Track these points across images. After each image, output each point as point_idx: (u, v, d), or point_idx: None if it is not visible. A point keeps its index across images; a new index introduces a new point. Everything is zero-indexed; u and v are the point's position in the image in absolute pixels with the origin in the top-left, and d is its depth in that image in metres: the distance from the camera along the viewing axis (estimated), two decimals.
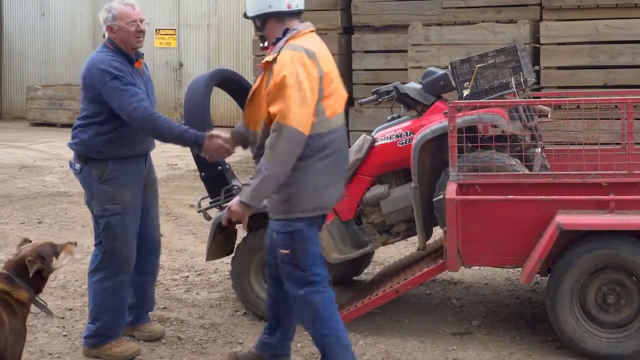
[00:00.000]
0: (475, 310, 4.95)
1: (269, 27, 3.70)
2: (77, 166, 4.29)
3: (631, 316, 4.13)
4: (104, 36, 4.29)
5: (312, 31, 3.72)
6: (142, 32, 4.27)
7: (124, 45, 4.23)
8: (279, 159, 3.45)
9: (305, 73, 3.48)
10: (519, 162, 4.44)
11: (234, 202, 3.56)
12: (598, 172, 4.21)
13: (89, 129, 4.21)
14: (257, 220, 4.90)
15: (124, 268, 4.27)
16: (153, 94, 4.38)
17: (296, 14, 3.71)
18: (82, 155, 4.25)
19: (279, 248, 3.64)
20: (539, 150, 4.72)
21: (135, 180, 4.26)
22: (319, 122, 3.53)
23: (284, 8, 3.65)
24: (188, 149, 5.12)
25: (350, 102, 9.85)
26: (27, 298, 3.50)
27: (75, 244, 3.71)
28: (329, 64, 3.64)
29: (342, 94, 3.72)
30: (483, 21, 8.92)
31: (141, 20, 4.27)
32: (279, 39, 3.63)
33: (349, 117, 9.62)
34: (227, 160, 5.08)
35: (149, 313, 4.62)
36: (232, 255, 4.98)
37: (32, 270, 3.46)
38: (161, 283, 5.61)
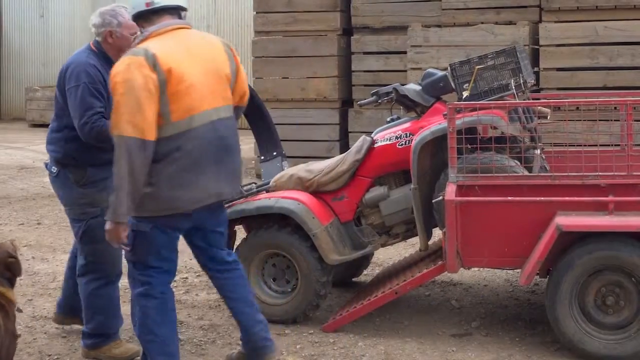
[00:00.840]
0: (474, 312, 4.95)
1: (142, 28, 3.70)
2: (54, 169, 4.20)
3: (630, 317, 4.13)
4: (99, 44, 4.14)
5: (178, 28, 3.65)
6: None
7: (114, 52, 4.04)
8: (124, 172, 3.41)
9: (142, 78, 3.41)
10: (519, 163, 4.44)
11: (107, 225, 3.53)
12: (597, 173, 4.21)
13: (62, 134, 4.14)
14: (256, 222, 4.92)
15: (111, 270, 4.22)
16: None
17: (163, 11, 3.64)
18: (59, 160, 4.17)
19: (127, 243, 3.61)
20: (538, 151, 4.73)
21: None
22: (164, 126, 3.49)
23: (143, 7, 3.64)
24: None
25: (349, 103, 9.86)
26: (15, 298, 3.50)
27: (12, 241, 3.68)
28: (185, 63, 3.53)
29: (205, 92, 3.58)
30: (482, 22, 8.92)
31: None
32: None
33: (349, 119, 9.63)
34: None
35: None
36: None
37: (20, 269, 3.46)
38: None
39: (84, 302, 4.28)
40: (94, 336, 4.28)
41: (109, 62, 3.99)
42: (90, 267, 4.20)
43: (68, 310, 4.61)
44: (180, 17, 3.71)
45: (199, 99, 3.56)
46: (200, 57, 3.62)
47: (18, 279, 5.15)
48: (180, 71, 3.51)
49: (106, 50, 4.12)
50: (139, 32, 3.79)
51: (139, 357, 4.25)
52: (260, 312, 4.01)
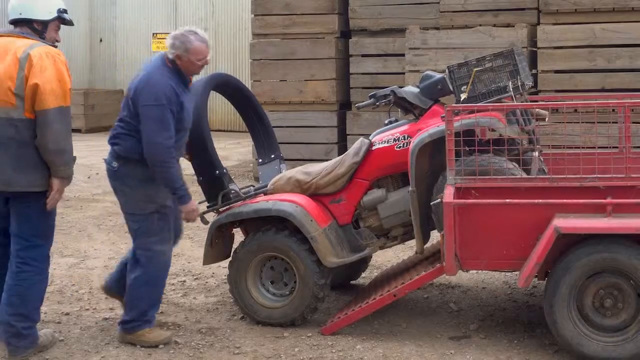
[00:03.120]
0: (473, 314, 4.94)
1: None
2: (115, 164, 4.39)
3: (629, 320, 4.13)
4: (168, 59, 4.36)
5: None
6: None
7: (183, 71, 4.37)
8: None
9: None
10: (517, 165, 4.44)
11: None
12: (595, 175, 4.21)
13: (133, 137, 4.33)
14: (254, 225, 4.91)
15: (164, 265, 4.50)
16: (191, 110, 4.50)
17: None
18: (122, 156, 4.36)
19: None
20: (536, 153, 4.72)
21: None
22: None
23: None
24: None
25: (347, 105, 9.86)
26: None
27: None
28: None
29: None
30: (480, 25, 8.92)
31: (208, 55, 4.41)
32: None
33: (347, 121, 9.64)
34: (225, 164, 5.09)
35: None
36: (229, 259, 4.97)
37: None
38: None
39: (131, 291, 4.47)
40: (132, 321, 4.48)
41: (181, 79, 4.37)
42: (144, 260, 4.41)
43: (116, 289, 4.78)
44: (29, 29, 4.21)
45: None
46: None
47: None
48: None
49: (178, 66, 4.35)
50: (208, 57, 4.38)
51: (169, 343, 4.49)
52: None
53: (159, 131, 4.21)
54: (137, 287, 4.45)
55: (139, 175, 4.36)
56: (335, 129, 9.72)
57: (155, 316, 4.63)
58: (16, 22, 4.21)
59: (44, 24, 4.22)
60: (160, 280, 4.55)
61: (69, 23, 4.37)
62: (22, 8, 4.19)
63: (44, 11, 4.21)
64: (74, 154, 4.26)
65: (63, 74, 4.11)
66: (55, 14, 4.25)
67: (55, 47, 4.26)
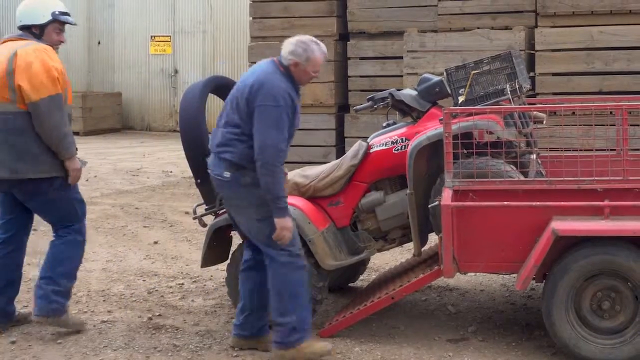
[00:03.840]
0: (470, 317, 4.95)
1: None
2: (227, 174, 4.15)
3: (626, 322, 4.13)
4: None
5: (5, 41, 4.62)
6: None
7: (296, 78, 4.22)
8: None
9: None
10: (514, 168, 4.45)
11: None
12: (593, 178, 4.21)
13: (244, 142, 4.12)
14: None
15: (301, 259, 4.22)
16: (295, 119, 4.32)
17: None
18: (235, 163, 4.14)
19: None
20: (534, 156, 4.73)
21: None
22: None
23: None
24: (184, 156, 5.13)
25: (345, 108, 9.86)
26: None
27: None
28: None
29: None
30: (478, 28, 8.93)
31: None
32: None
33: (345, 124, 9.64)
34: None
35: None
36: (228, 262, 4.97)
37: None
38: (156, 290, 5.60)
39: (289, 294, 4.14)
40: (297, 331, 4.14)
41: (294, 86, 4.22)
42: (285, 258, 4.14)
43: (254, 331, 4.43)
44: (30, 33, 4.62)
45: None
46: None
47: None
48: None
49: (292, 72, 4.20)
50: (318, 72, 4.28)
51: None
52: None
53: (274, 133, 4.04)
54: (293, 284, 4.14)
55: (251, 181, 4.14)
56: (334, 132, 9.73)
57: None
58: (21, 28, 4.67)
59: (41, 27, 4.61)
60: (304, 277, 4.26)
61: (69, 23, 4.67)
62: (22, 16, 4.64)
63: (39, 16, 4.60)
64: (86, 161, 4.71)
65: (49, 66, 4.41)
66: (49, 17, 4.59)
67: (54, 47, 4.62)
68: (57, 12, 4.61)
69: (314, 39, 4.28)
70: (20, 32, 4.64)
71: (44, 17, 4.58)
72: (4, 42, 4.62)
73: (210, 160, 4.30)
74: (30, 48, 4.46)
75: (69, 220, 4.70)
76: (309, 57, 4.18)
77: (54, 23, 4.60)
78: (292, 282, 4.17)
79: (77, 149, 4.65)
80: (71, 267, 4.72)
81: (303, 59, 4.17)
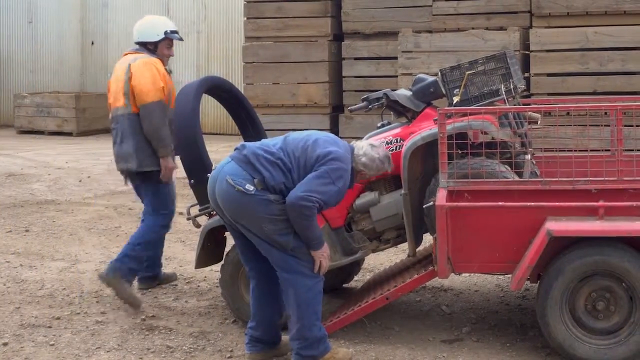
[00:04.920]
0: (465, 317, 4.94)
1: None
2: (250, 188, 4.02)
3: (621, 322, 4.13)
4: None
5: (125, 54, 5.47)
6: None
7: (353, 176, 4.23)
8: None
9: None
10: (509, 168, 4.44)
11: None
12: (588, 178, 4.21)
13: (281, 169, 4.06)
14: None
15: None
16: None
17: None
18: (268, 185, 4.03)
19: None
20: (528, 156, 4.72)
21: None
22: None
23: None
24: (177, 157, 5.11)
25: (340, 109, 9.86)
26: None
27: None
28: (115, 75, 5.38)
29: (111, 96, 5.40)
30: (473, 28, 8.95)
31: None
32: None
33: (339, 124, 9.63)
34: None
35: None
36: (222, 262, 4.96)
37: None
38: (149, 291, 5.58)
39: (309, 307, 4.07)
40: (324, 341, 4.11)
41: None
42: (312, 270, 4.09)
43: (271, 342, 4.36)
44: (145, 48, 5.41)
45: (111, 99, 5.44)
46: (118, 72, 5.37)
47: (6, 286, 5.16)
48: (111, 80, 5.49)
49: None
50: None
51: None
52: None
53: (334, 192, 4.05)
54: (314, 296, 4.09)
55: (278, 198, 4.04)
56: (328, 132, 9.71)
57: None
58: (137, 43, 5.44)
59: (154, 44, 5.39)
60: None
61: (179, 39, 5.48)
62: (138, 34, 5.45)
63: (153, 35, 5.39)
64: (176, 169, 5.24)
65: (156, 77, 5.20)
66: (162, 36, 5.39)
67: (165, 59, 5.40)
68: (168, 31, 5.40)
69: (389, 155, 4.31)
70: (137, 46, 5.44)
71: (157, 36, 5.38)
72: (125, 54, 5.47)
73: (231, 166, 4.08)
74: (141, 61, 5.24)
75: (155, 210, 5.35)
76: (366, 164, 4.21)
77: (165, 40, 5.40)
78: (316, 292, 4.11)
79: (174, 151, 5.22)
80: (146, 246, 5.32)
81: (361, 165, 4.21)
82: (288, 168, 4.07)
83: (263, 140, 4.31)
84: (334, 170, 4.03)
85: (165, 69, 5.35)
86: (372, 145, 4.29)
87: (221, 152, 12.53)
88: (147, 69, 5.21)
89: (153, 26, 5.43)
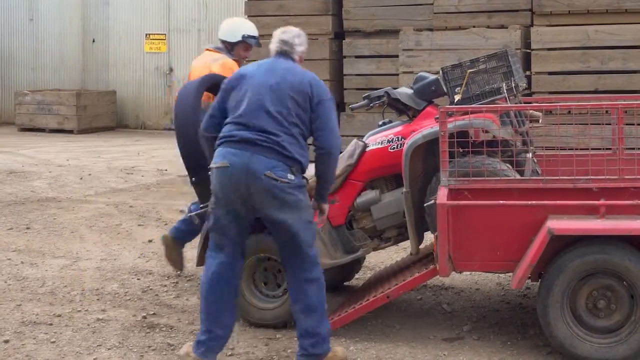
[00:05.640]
0: (466, 316, 4.94)
1: None
2: (292, 177, 4.04)
3: (622, 321, 4.13)
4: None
5: (207, 50, 5.75)
6: None
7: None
8: None
9: None
10: (510, 167, 4.44)
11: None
12: (589, 177, 4.21)
13: (299, 142, 4.13)
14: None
15: None
16: None
17: None
18: (300, 166, 4.10)
19: None
20: (530, 155, 4.72)
21: None
22: None
23: None
24: (179, 154, 5.11)
25: (341, 107, 9.86)
26: None
27: None
28: (197, 72, 5.44)
29: None
30: (474, 26, 8.94)
31: None
32: None
33: (341, 122, 9.63)
34: None
35: None
36: None
37: None
38: (150, 289, 5.58)
39: (321, 304, 4.11)
40: (327, 340, 4.13)
41: None
42: (318, 261, 4.16)
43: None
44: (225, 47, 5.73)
45: None
46: (194, 68, 5.64)
47: (7, 283, 5.15)
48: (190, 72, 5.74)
49: None
50: None
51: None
52: None
53: (337, 123, 4.23)
54: (321, 294, 4.12)
55: (303, 183, 4.11)
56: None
57: None
58: (220, 41, 5.71)
59: (232, 44, 5.66)
60: None
61: (256, 45, 5.73)
62: (221, 32, 5.74)
63: (232, 36, 5.67)
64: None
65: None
66: (239, 38, 5.64)
67: (241, 60, 5.66)
68: (246, 35, 5.66)
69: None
70: (218, 44, 5.75)
71: (235, 37, 5.66)
72: (206, 50, 5.76)
73: (261, 161, 3.97)
74: (219, 62, 5.51)
75: None
76: (306, 45, 4.37)
77: (243, 43, 5.65)
78: (323, 290, 4.15)
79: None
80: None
81: (305, 48, 4.35)
82: (302, 132, 4.12)
83: (240, 120, 4.07)
84: (330, 102, 4.19)
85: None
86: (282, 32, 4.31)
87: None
88: (223, 72, 5.30)
89: (234, 28, 5.72)
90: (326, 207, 4.32)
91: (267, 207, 4.02)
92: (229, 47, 5.68)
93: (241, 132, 4.03)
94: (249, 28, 5.74)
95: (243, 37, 5.67)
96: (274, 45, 4.26)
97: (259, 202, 4.01)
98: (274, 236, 4.18)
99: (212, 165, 4.09)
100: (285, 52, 4.23)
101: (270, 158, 3.99)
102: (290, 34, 4.28)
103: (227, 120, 4.13)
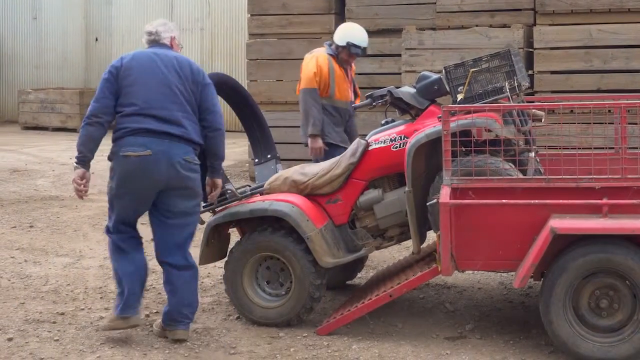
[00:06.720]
0: (468, 315, 4.94)
1: None
2: (196, 159, 4.49)
3: (624, 320, 4.13)
4: None
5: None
6: None
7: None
8: None
9: None
10: (513, 166, 4.44)
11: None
12: (591, 176, 4.21)
13: (196, 124, 4.52)
14: (250, 225, 4.90)
15: None
16: None
17: None
18: (200, 147, 4.52)
19: None
20: (532, 154, 4.72)
21: None
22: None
23: None
24: None
25: None
26: None
27: None
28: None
29: None
30: (477, 25, 8.92)
31: None
32: None
33: None
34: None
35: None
36: (225, 259, 4.97)
37: None
38: (153, 287, 5.59)
39: (193, 290, 4.65)
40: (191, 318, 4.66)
41: None
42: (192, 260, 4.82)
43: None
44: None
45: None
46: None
47: (10, 281, 5.15)
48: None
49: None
50: None
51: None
52: None
53: (218, 102, 4.56)
54: (195, 285, 4.59)
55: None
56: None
57: None
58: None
59: (337, 47, 6.13)
60: None
61: (359, 55, 6.11)
62: (335, 33, 6.20)
63: (339, 39, 6.12)
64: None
65: (310, 68, 6.04)
66: (343, 44, 6.06)
67: (344, 65, 6.15)
68: (350, 43, 6.04)
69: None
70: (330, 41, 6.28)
71: (341, 41, 6.10)
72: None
73: (170, 145, 4.33)
74: (311, 55, 6.17)
75: None
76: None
77: (346, 49, 6.05)
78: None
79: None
80: None
81: (177, 31, 4.77)
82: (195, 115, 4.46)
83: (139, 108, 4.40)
84: (211, 85, 4.52)
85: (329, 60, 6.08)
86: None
87: (225, 148, 12.55)
88: (309, 62, 6.09)
89: (344, 32, 6.11)
90: (219, 181, 4.62)
91: (171, 189, 4.41)
92: (334, 48, 6.14)
93: (149, 123, 4.32)
94: (358, 37, 6.06)
95: (347, 43, 6.04)
96: (143, 39, 4.66)
97: (174, 187, 4.39)
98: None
99: (131, 153, 4.32)
100: (154, 41, 4.61)
101: (183, 144, 4.36)
102: (153, 24, 4.67)
103: (129, 111, 4.36)
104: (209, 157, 4.54)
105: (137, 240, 4.57)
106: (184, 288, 4.50)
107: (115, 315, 4.49)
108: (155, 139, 4.29)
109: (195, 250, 6.00)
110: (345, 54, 6.11)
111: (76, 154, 4.52)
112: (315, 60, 6.07)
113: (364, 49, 6.10)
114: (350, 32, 6.10)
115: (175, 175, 4.33)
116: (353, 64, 6.36)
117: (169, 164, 4.30)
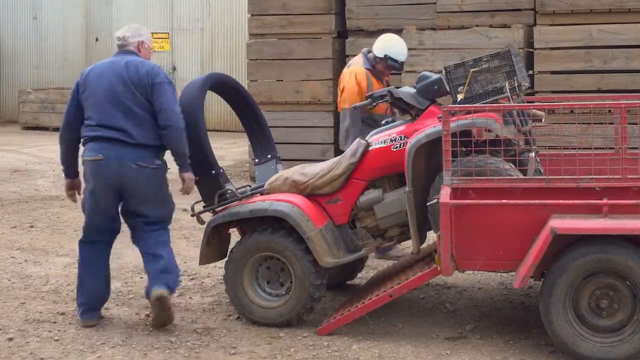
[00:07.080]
0: (468, 315, 4.95)
1: None
2: (158, 162, 4.72)
3: (624, 320, 4.14)
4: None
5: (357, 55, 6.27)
6: None
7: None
8: None
9: None
10: (513, 166, 4.44)
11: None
12: (592, 176, 4.21)
13: (152, 126, 4.69)
14: (250, 225, 4.91)
15: None
16: None
17: None
18: (161, 150, 4.74)
19: None
20: (532, 154, 4.73)
21: None
22: None
23: None
24: None
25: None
26: None
27: None
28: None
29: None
30: (477, 25, 8.92)
31: None
32: None
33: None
34: (221, 164, 5.08)
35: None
36: (226, 259, 4.97)
37: None
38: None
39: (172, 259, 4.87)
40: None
41: None
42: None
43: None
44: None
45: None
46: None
47: (11, 281, 5.16)
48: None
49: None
50: None
51: None
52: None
53: (175, 101, 4.65)
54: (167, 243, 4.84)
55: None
56: (332, 130, 9.71)
57: None
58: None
59: (375, 58, 6.04)
60: None
61: (396, 69, 6.09)
62: (375, 43, 6.08)
63: (377, 50, 6.03)
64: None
65: (351, 86, 5.98)
66: (381, 55, 5.98)
67: (377, 77, 6.06)
68: (388, 56, 5.96)
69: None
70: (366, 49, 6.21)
71: (379, 53, 6.01)
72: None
73: (129, 151, 4.57)
74: (348, 70, 6.11)
75: None
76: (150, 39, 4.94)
77: (383, 61, 5.99)
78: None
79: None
80: None
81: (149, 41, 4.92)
82: (145, 118, 4.63)
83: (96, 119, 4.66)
84: (167, 84, 4.66)
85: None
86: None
87: (225, 148, 12.55)
88: (348, 79, 6.05)
89: (383, 44, 6.02)
90: (186, 175, 4.74)
91: (136, 193, 4.68)
92: (372, 59, 6.06)
93: (102, 131, 4.59)
94: (396, 51, 5.99)
95: (385, 56, 5.97)
96: (116, 45, 4.84)
97: (135, 190, 4.64)
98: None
99: (88, 158, 4.67)
100: (121, 46, 4.79)
101: (136, 149, 4.58)
102: (123, 29, 4.81)
103: (87, 122, 4.67)
104: (172, 154, 4.72)
105: (104, 250, 4.86)
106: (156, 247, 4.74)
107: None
108: (108, 144, 4.59)
109: (195, 251, 6.02)
110: (382, 66, 6.02)
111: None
112: (355, 77, 5.98)
113: (402, 63, 6.03)
114: (390, 45, 6.01)
115: (129, 180, 4.60)
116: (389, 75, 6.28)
117: (119, 167, 4.57)
